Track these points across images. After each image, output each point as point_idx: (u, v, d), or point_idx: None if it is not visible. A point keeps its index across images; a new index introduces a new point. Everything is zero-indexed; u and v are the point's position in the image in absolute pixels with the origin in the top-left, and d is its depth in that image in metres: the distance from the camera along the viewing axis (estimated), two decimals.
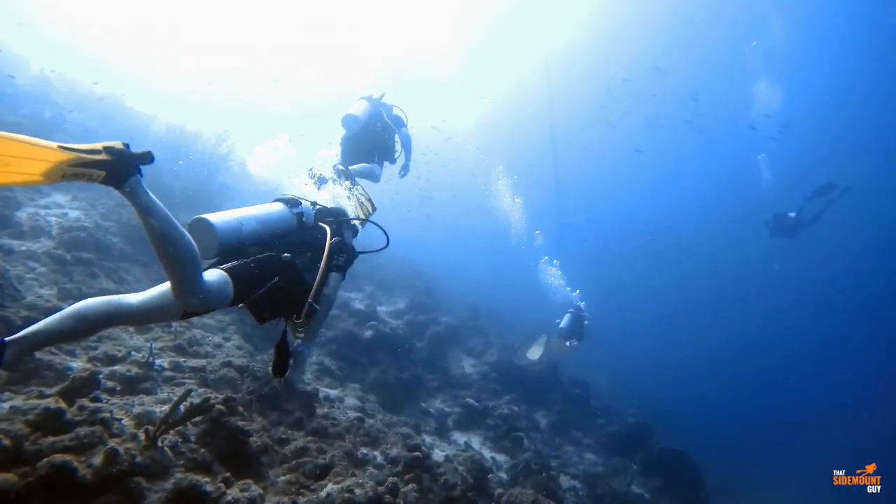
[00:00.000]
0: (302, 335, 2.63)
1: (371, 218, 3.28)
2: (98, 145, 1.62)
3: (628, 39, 30.82)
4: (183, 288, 1.79)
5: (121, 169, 1.62)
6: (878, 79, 25.30)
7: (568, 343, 8.48)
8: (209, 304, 1.93)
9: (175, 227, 1.72)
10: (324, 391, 6.47)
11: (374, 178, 5.11)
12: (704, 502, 9.33)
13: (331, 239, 2.62)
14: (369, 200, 3.40)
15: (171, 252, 1.71)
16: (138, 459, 2.89)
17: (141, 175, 1.68)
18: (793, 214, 13.19)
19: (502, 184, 23.07)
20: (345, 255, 2.77)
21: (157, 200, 1.70)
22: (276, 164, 3.25)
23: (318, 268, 2.53)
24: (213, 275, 1.96)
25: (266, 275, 2.20)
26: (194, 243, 1.79)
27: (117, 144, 1.64)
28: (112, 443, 2.85)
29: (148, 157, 1.69)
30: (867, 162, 26.87)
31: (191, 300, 1.83)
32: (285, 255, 2.35)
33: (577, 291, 10.53)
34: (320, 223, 2.80)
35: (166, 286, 1.90)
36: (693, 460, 9.56)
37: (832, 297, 31.56)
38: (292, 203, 2.69)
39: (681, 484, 9.00)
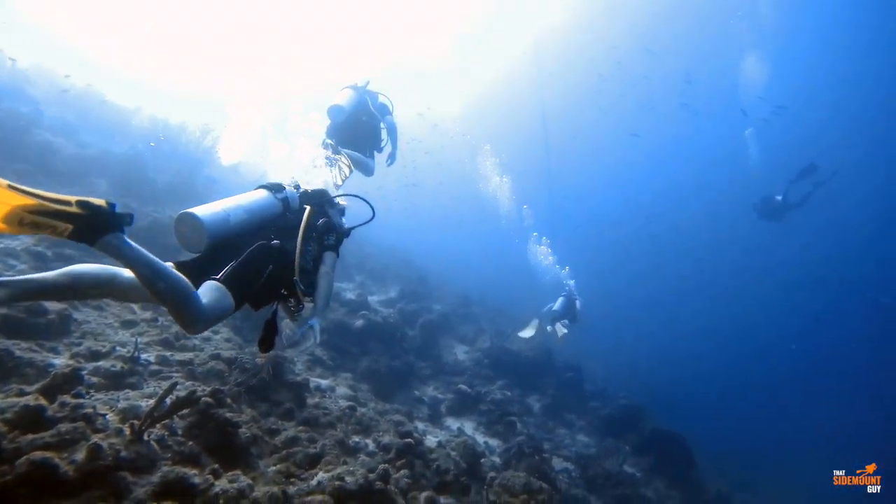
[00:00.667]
0: (298, 318, 2.67)
1: (357, 195, 3.24)
2: (71, 198, 1.39)
3: (617, 21, 30.54)
4: (183, 320, 1.74)
5: (93, 227, 1.43)
6: (869, 56, 25.35)
7: (561, 325, 8.45)
8: (213, 322, 1.90)
9: (160, 269, 1.62)
10: (315, 381, 6.47)
11: (368, 171, 5.00)
12: (695, 481, 9.50)
13: (309, 217, 2.62)
14: (348, 166, 3.36)
15: (161, 290, 1.63)
16: (123, 454, 2.87)
17: (123, 232, 1.51)
18: (779, 198, 13.19)
19: (490, 164, 22.66)
20: (335, 235, 2.79)
21: (137, 250, 1.56)
22: (253, 136, 3.09)
23: (308, 250, 2.55)
24: (208, 292, 1.90)
25: (259, 266, 2.19)
26: (184, 278, 1.71)
27: (97, 202, 1.44)
28: (95, 438, 2.82)
29: (128, 220, 1.52)
30: (856, 141, 27.07)
31: (195, 327, 1.80)
32: (274, 241, 2.33)
33: (567, 269, 10.53)
34: (304, 206, 2.78)
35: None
36: (684, 440, 9.72)
37: (826, 274, 31.94)
38: (276, 189, 2.68)
39: (672, 463, 9.16)
